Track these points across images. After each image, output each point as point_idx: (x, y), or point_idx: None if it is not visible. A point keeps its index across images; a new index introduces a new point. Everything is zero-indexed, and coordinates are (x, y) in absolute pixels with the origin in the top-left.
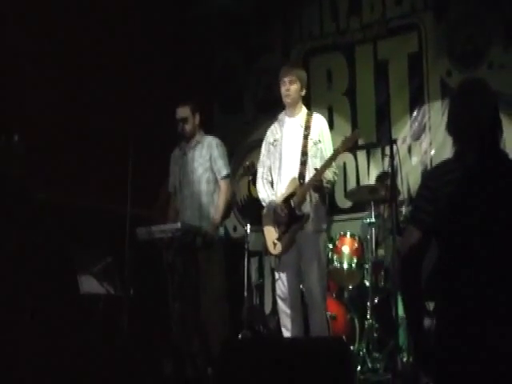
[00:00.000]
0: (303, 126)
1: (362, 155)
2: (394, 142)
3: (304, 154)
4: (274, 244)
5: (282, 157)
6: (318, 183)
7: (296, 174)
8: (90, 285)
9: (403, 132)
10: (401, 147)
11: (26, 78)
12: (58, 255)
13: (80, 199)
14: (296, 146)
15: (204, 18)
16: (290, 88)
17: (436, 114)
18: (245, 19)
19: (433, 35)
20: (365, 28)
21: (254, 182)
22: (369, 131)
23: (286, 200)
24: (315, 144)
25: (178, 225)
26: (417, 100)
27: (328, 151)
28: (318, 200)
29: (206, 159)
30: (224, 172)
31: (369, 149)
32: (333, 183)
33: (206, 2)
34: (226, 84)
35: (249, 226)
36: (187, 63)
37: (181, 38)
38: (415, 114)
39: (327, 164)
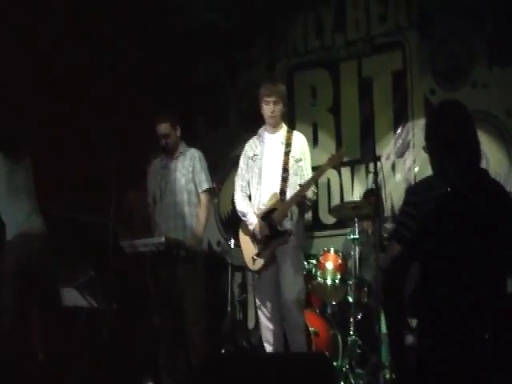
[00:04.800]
0: (284, 142)
1: (346, 172)
2: (378, 158)
3: (285, 170)
4: (253, 260)
5: (262, 172)
6: (302, 199)
7: (277, 190)
8: (72, 298)
9: (387, 149)
10: (385, 164)
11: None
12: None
13: (63, 211)
14: (277, 162)
15: (189, 31)
16: (275, 109)
17: (420, 131)
18: (230, 33)
19: (417, 53)
20: (349, 45)
21: None
22: (353, 148)
23: (266, 215)
24: (296, 162)
25: (162, 239)
26: (401, 117)
27: (308, 170)
28: (298, 217)
29: (189, 170)
30: (205, 185)
31: (353, 165)
32: (313, 202)
33: (190, 15)
34: (211, 97)
35: (232, 240)
36: (171, 76)
37: (165, 50)
38: (399, 131)
39: (312, 180)
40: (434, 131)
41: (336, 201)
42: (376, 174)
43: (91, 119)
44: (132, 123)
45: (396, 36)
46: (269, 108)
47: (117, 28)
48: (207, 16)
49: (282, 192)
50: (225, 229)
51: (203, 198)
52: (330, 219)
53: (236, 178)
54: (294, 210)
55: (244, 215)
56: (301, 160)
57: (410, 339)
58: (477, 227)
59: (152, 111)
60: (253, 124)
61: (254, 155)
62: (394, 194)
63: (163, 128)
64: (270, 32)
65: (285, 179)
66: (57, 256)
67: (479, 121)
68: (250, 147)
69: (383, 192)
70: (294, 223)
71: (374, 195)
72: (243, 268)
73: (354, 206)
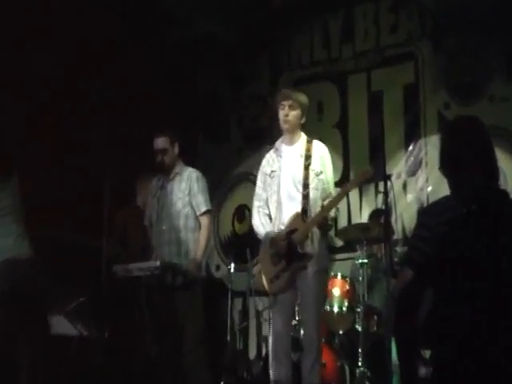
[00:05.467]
0: (303, 155)
1: (353, 192)
2: (389, 177)
3: (306, 186)
4: (271, 281)
5: (281, 189)
6: (324, 221)
7: (298, 209)
8: (61, 326)
9: (398, 167)
10: (395, 183)
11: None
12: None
13: (53, 232)
14: (296, 178)
15: (189, 43)
16: (290, 113)
17: (433, 148)
18: (231, 45)
19: (430, 65)
20: (358, 57)
21: (239, 218)
22: (361, 166)
23: (288, 236)
24: (317, 175)
25: (157, 263)
26: (412, 134)
27: (330, 183)
28: (319, 238)
29: (186, 193)
30: (204, 208)
31: (361, 185)
32: (335, 220)
33: (191, 26)
34: (212, 112)
35: (233, 264)
36: (171, 90)
37: (164, 63)
38: (411, 148)
39: (336, 201)
40: (449, 149)
41: (343, 223)
42: (386, 194)
43: (84, 133)
44: (126, 138)
45: (408, 47)
46: (283, 112)
47: (116, 40)
48: (207, 28)
49: (304, 211)
50: (225, 252)
51: (202, 220)
52: (337, 242)
53: (254, 198)
54: (316, 231)
55: (261, 236)
56: (321, 173)
57: (423, 371)
58: (495, 252)
59: (148, 125)
60: (255, 140)
61: (272, 171)
62: (406, 215)
63: (160, 142)
64: (274, 43)
65: (306, 196)
66: (46, 281)
67: (497, 137)
68: (267, 162)
69: (394, 213)
70: (315, 246)
71: (383, 216)
72: (244, 294)
73: (363, 228)
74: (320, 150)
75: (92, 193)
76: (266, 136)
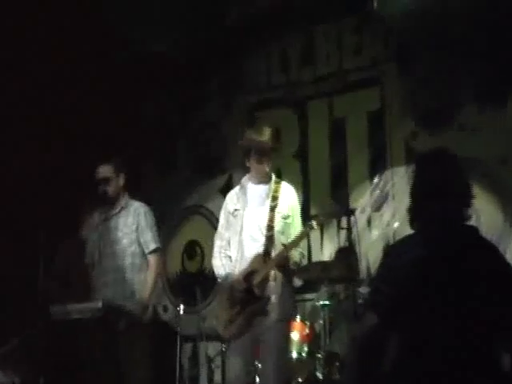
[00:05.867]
0: (270, 196)
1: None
2: (352, 212)
3: (270, 228)
4: (226, 326)
5: (244, 230)
6: (283, 261)
7: (261, 251)
8: None
9: (362, 201)
10: (359, 218)
11: None
12: None
13: None
14: (261, 218)
15: (135, 63)
16: (267, 166)
17: (400, 180)
18: (181, 66)
19: (396, 91)
20: (319, 81)
21: (189, 255)
22: (322, 200)
23: (246, 278)
24: (284, 218)
25: (99, 304)
26: (378, 165)
27: (297, 227)
28: (283, 282)
29: (132, 229)
30: (153, 245)
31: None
32: (298, 265)
33: (137, 45)
34: (159, 140)
35: (182, 306)
36: (115, 114)
37: (111, 84)
38: (376, 180)
39: (297, 241)
40: (417, 185)
41: (303, 261)
42: (349, 230)
43: (22, 159)
44: (68, 165)
45: (372, 71)
46: (261, 167)
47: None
48: (156, 47)
49: (266, 253)
50: (173, 292)
51: (151, 259)
52: (296, 282)
53: (215, 237)
54: (279, 274)
55: (221, 277)
56: (289, 217)
57: None
58: (463, 293)
59: (92, 152)
60: (206, 170)
61: (235, 210)
62: (370, 253)
63: (103, 171)
64: (228, 65)
65: (269, 238)
66: None
67: (468, 170)
68: (231, 200)
69: (358, 251)
70: (278, 290)
71: (347, 255)
72: (194, 338)
73: (324, 266)
74: (289, 192)
75: (30, 223)
76: (218, 165)
